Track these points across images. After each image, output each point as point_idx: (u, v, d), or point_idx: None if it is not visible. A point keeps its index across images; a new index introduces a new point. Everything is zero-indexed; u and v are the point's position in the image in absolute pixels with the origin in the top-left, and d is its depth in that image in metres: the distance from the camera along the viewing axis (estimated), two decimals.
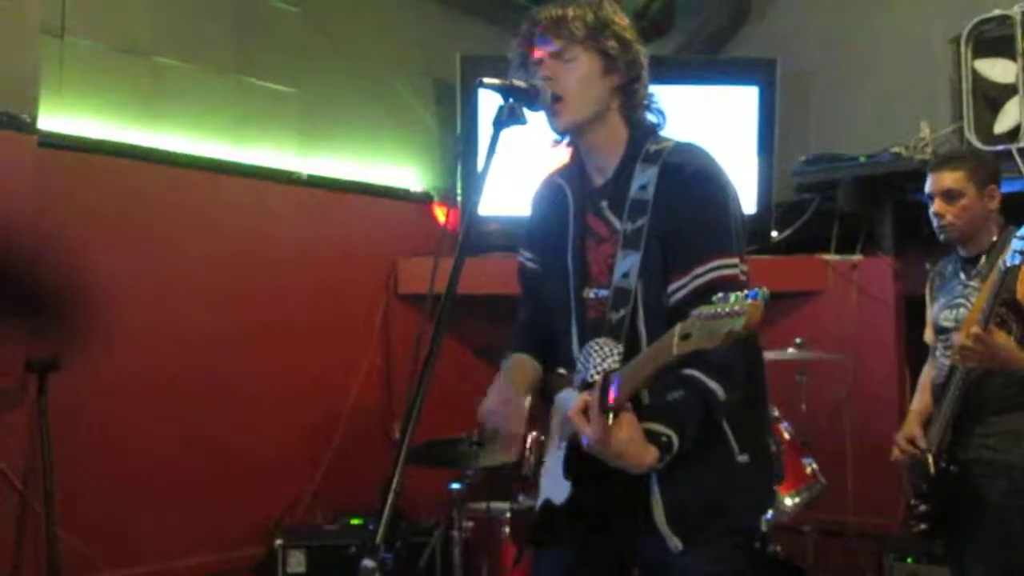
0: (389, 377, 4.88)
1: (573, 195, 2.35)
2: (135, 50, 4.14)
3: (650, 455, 2.00)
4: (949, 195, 3.25)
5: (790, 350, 4.11)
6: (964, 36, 4.55)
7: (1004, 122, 4.46)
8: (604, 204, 2.27)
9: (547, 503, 2.27)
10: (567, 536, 2.28)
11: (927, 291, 3.52)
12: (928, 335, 3.48)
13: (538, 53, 2.24)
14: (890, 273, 4.86)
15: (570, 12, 2.22)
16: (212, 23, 4.43)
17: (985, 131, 4.50)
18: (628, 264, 2.18)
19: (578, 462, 2.14)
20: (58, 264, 3.65)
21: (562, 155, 2.41)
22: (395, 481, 1.64)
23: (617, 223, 2.23)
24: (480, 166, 2.08)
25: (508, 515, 3.84)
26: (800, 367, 4.28)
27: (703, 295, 2.05)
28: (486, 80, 2.08)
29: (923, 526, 3.26)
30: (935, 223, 3.31)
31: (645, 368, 1.92)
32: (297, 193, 4.66)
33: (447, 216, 5.08)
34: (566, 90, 2.21)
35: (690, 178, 2.17)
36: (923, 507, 3.24)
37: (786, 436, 3.89)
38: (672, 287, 2.14)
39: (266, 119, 4.60)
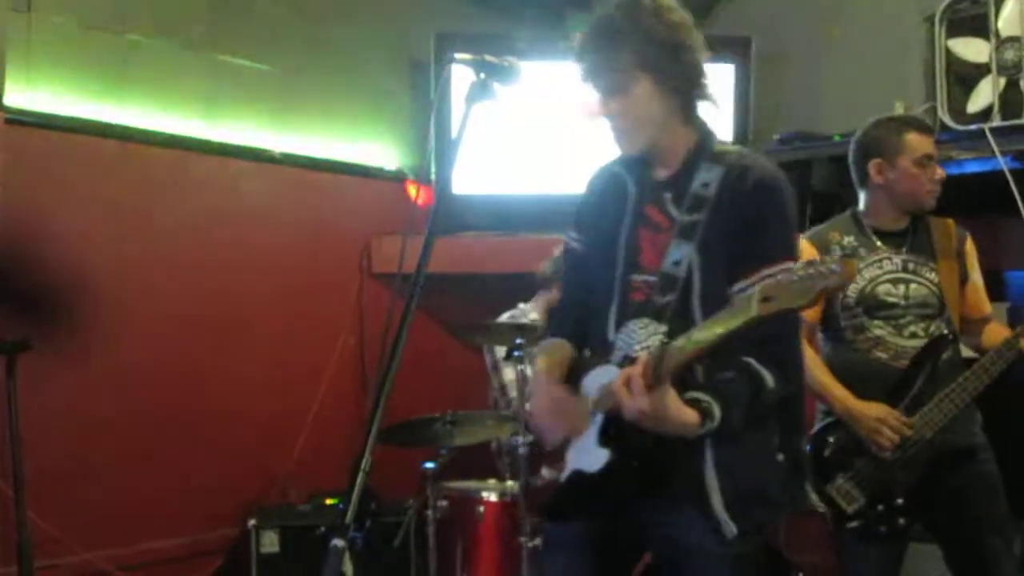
0: (363, 357, 4.87)
1: (635, 184, 2.36)
2: (105, 26, 4.07)
3: (690, 415, 2.06)
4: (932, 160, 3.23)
5: None
6: (938, 15, 4.55)
7: (977, 102, 4.47)
8: (668, 196, 2.30)
9: (577, 473, 2.27)
10: (593, 507, 2.28)
11: None
12: (811, 312, 3.09)
13: (593, 88, 2.26)
14: None
15: (613, 40, 2.22)
16: None
17: (958, 110, 4.51)
18: (680, 253, 2.22)
19: (617, 433, 2.17)
20: (27, 244, 3.61)
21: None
22: (364, 460, 1.64)
23: (677, 214, 2.26)
24: (452, 144, 2.07)
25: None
26: None
27: None
28: (458, 55, 2.07)
29: (901, 521, 3.11)
30: (934, 189, 3.21)
31: (711, 332, 1.96)
32: (270, 171, 4.62)
33: (419, 194, 5.06)
34: (629, 122, 2.25)
35: (759, 183, 2.23)
36: (899, 500, 3.12)
37: None
38: (738, 287, 2.15)
39: (238, 97, 4.56)
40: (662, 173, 2.33)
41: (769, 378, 2.14)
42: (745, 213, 2.20)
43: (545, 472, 2.37)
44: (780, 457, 2.28)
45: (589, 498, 2.26)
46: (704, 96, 2.32)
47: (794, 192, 2.30)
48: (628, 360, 2.19)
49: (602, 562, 2.35)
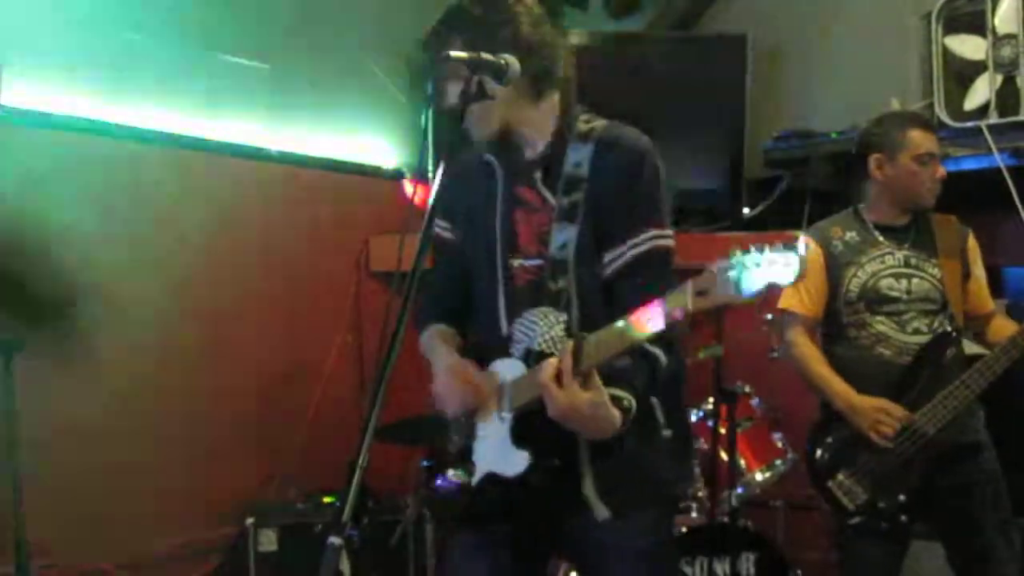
0: (362, 355, 4.87)
1: (502, 165, 2.32)
2: (102, 24, 4.07)
3: (617, 419, 2.02)
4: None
5: (763, 328, 4.11)
6: (935, 13, 4.56)
7: (974, 99, 4.48)
8: (538, 176, 2.27)
9: (491, 476, 2.19)
10: (511, 511, 2.22)
11: (819, 261, 3.26)
12: (812, 307, 3.28)
13: None
14: None
15: (441, 33, 2.22)
16: None
17: (955, 108, 4.52)
18: (565, 236, 2.19)
19: (531, 433, 2.11)
20: (21, 243, 3.60)
21: None
22: (361, 457, 1.64)
23: (551, 197, 2.24)
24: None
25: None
26: (772, 343, 4.28)
27: (640, 264, 2.14)
28: (453, 53, 2.06)
29: (903, 518, 3.10)
30: (934, 187, 3.23)
31: (641, 332, 1.88)
32: (267, 170, 4.62)
33: (416, 192, 5.06)
34: (474, 107, 2.16)
35: (624, 154, 2.20)
36: (901, 497, 3.10)
37: (756, 412, 3.91)
38: (608, 258, 2.17)
39: (235, 95, 4.54)
40: (529, 153, 2.29)
41: (662, 357, 2.10)
42: (614, 185, 2.18)
43: (451, 474, 2.29)
44: (667, 432, 2.24)
45: (506, 502, 2.19)
46: (551, 68, 2.23)
47: (661, 160, 2.22)
48: (532, 354, 2.15)
49: (516, 561, 2.31)
